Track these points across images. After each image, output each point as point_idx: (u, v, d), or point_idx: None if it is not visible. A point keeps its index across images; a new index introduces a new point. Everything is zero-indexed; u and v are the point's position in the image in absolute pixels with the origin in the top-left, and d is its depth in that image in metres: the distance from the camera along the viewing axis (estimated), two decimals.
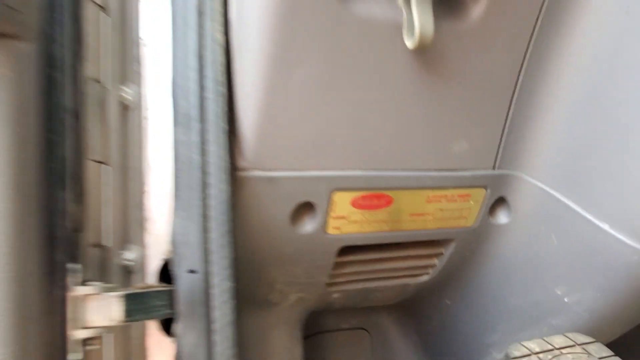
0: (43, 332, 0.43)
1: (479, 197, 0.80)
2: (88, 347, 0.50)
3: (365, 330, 1.22)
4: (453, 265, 0.92)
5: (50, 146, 0.46)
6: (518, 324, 0.88)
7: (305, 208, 0.71)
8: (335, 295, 0.93)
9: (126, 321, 0.50)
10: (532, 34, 0.68)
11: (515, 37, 0.67)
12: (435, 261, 0.91)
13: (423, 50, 0.62)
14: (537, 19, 0.66)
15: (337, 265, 0.81)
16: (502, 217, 0.85)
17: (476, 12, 0.62)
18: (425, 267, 0.92)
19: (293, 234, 0.72)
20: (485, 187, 0.79)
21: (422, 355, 1.21)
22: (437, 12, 0.58)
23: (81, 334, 0.47)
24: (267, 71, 0.58)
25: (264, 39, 0.57)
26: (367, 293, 0.97)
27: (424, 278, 0.94)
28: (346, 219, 0.73)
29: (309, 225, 0.72)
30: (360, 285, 0.91)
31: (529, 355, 0.63)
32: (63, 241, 0.46)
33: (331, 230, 0.73)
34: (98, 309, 0.49)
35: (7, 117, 0.41)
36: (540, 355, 0.63)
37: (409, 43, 0.59)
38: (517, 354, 0.63)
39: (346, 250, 0.79)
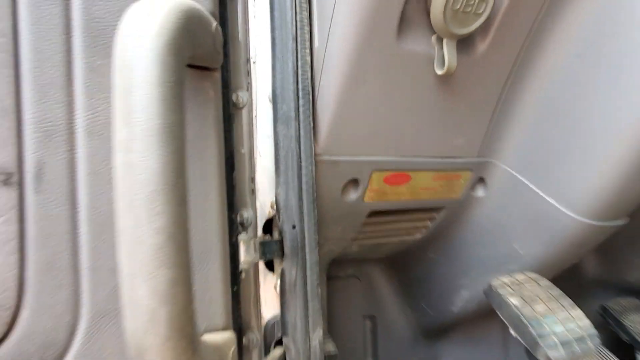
0: (230, 263, 0.66)
1: (466, 177, 1.05)
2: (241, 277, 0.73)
3: (357, 278, 1.48)
4: (440, 227, 1.17)
5: (225, 141, 0.67)
6: (484, 270, 1.14)
7: (351, 183, 0.93)
8: (354, 248, 1.16)
9: (259, 260, 0.74)
10: (514, 62, 0.90)
11: (503, 64, 0.89)
12: (429, 223, 1.16)
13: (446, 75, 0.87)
14: (519, 52, 0.89)
15: (364, 224, 1.05)
16: (480, 192, 1.09)
17: (481, 49, 0.84)
18: (421, 227, 1.17)
19: (340, 201, 0.94)
20: (470, 170, 1.04)
21: (403, 298, 1.50)
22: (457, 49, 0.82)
23: (241, 266, 0.70)
24: (341, 86, 0.79)
25: (342, 63, 0.77)
26: (376, 247, 1.21)
27: (418, 236, 1.19)
28: (378, 191, 0.97)
29: (352, 195, 0.95)
30: (374, 241, 1.15)
31: (503, 285, 0.93)
32: (233, 205, 0.68)
33: (367, 199, 0.97)
34: (247, 251, 0.72)
35: (214, 123, 0.62)
36: (510, 285, 0.93)
37: (439, 71, 0.81)
38: (496, 283, 0.94)
39: (372, 214, 1.02)
